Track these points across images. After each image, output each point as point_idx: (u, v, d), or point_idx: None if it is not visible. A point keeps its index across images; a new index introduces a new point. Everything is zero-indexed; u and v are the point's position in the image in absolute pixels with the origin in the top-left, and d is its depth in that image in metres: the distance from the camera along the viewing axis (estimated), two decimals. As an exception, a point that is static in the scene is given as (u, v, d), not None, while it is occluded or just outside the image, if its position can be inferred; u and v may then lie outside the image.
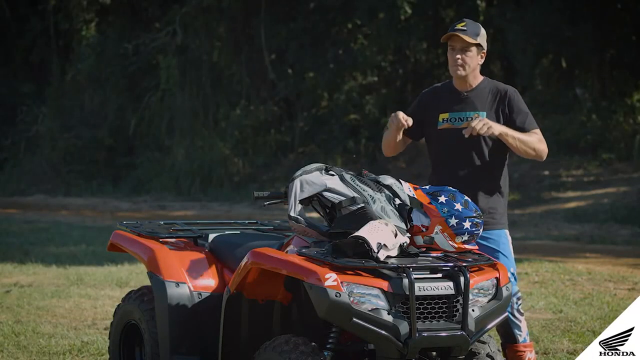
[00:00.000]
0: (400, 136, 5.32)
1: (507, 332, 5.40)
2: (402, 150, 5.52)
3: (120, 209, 21.36)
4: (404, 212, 4.57)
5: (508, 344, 5.40)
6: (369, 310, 4.19)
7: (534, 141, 5.27)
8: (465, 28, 5.23)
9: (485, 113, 5.26)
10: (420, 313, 4.26)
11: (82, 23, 27.03)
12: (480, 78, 5.37)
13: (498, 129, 5.13)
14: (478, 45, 5.27)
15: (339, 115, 23.71)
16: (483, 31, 5.28)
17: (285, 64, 24.65)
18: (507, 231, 5.38)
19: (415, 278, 4.24)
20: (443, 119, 5.31)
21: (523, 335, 5.40)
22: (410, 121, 5.16)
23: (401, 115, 5.15)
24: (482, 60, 5.34)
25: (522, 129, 5.27)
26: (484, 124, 5.05)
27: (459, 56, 5.25)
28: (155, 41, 25.91)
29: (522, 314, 5.42)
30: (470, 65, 5.27)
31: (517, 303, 5.36)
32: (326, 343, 4.43)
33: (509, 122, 5.26)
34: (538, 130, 5.33)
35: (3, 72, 28.44)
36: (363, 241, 4.25)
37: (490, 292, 4.45)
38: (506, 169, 5.41)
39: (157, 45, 25.86)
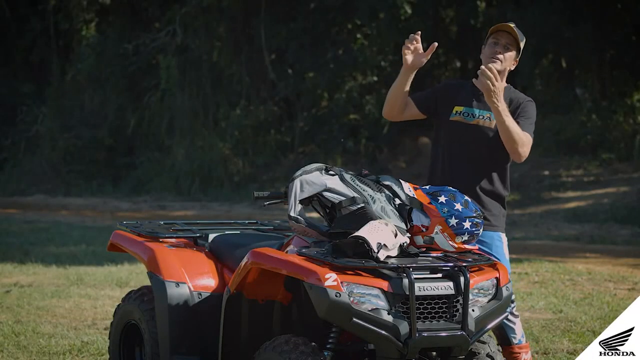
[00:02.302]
0: (408, 84, 5.24)
1: (502, 335, 5.40)
2: (403, 118, 5.39)
3: (120, 209, 21.36)
4: (404, 212, 4.57)
5: (504, 346, 5.39)
6: (369, 310, 4.19)
7: (521, 136, 5.13)
8: (514, 28, 5.24)
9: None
10: (420, 313, 4.26)
11: (82, 23, 27.04)
12: (504, 84, 5.35)
13: (501, 105, 5.04)
14: (518, 50, 5.27)
15: (339, 115, 23.71)
16: (524, 41, 5.30)
17: (285, 64, 24.65)
18: (502, 234, 5.34)
19: (415, 278, 4.23)
20: (457, 111, 5.29)
21: (518, 337, 5.39)
22: (419, 47, 5.15)
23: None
24: (513, 68, 5.32)
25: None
26: (493, 90, 4.99)
27: (499, 50, 5.23)
28: (155, 41, 25.92)
29: (516, 316, 5.41)
30: (505, 64, 5.25)
31: (510, 305, 5.35)
32: (326, 343, 4.43)
33: None
34: (529, 137, 5.22)
35: (3, 72, 28.45)
36: (363, 241, 4.25)
37: (490, 292, 4.45)
38: (507, 173, 5.39)
39: (157, 45, 25.87)
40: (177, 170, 24.02)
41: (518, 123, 5.21)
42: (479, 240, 5.17)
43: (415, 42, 5.19)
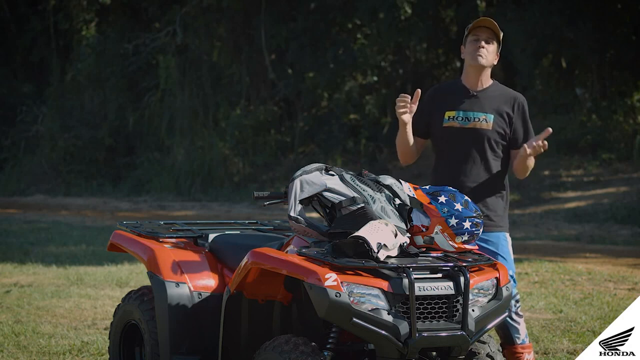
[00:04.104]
0: (410, 135, 5.29)
1: (505, 334, 5.40)
2: (418, 156, 5.47)
3: (120, 209, 21.35)
4: (404, 212, 4.57)
5: (507, 345, 5.40)
6: (369, 310, 4.19)
7: (531, 165, 5.35)
8: (492, 22, 5.27)
9: (493, 116, 5.26)
10: (420, 313, 4.25)
11: (82, 23, 27.03)
12: (491, 81, 5.36)
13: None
14: (499, 42, 5.29)
15: (339, 115, 23.71)
16: (502, 34, 5.33)
17: (285, 64, 24.65)
18: (507, 234, 5.36)
19: (415, 278, 4.23)
20: (449, 117, 5.29)
21: (521, 337, 5.40)
22: (413, 107, 5.14)
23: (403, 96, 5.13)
24: (495, 62, 5.33)
25: (525, 141, 5.30)
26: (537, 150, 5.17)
27: (483, 44, 5.25)
28: (155, 41, 25.91)
29: (520, 316, 5.41)
30: (489, 58, 5.28)
31: (515, 305, 5.35)
32: (326, 343, 4.43)
33: (512, 129, 5.27)
34: None
35: (3, 72, 28.44)
36: (363, 241, 4.25)
37: (490, 292, 4.45)
38: (507, 170, 5.39)
39: (157, 45, 25.86)
40: (177, 170, 24.01)
41: (527, 128, 5.26)
42: (486, 240, 5.20)
43: (406, 100, 5.15)
